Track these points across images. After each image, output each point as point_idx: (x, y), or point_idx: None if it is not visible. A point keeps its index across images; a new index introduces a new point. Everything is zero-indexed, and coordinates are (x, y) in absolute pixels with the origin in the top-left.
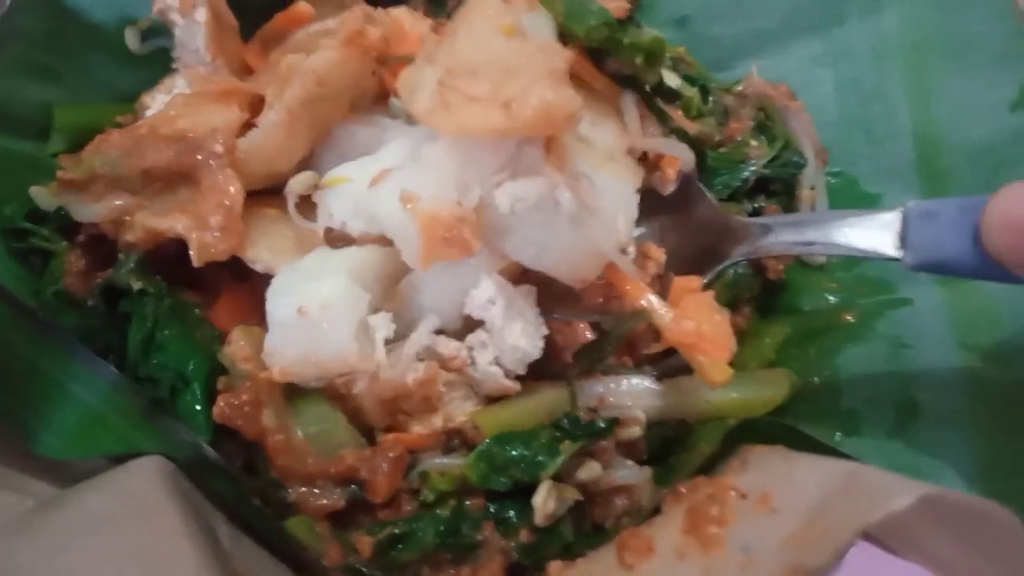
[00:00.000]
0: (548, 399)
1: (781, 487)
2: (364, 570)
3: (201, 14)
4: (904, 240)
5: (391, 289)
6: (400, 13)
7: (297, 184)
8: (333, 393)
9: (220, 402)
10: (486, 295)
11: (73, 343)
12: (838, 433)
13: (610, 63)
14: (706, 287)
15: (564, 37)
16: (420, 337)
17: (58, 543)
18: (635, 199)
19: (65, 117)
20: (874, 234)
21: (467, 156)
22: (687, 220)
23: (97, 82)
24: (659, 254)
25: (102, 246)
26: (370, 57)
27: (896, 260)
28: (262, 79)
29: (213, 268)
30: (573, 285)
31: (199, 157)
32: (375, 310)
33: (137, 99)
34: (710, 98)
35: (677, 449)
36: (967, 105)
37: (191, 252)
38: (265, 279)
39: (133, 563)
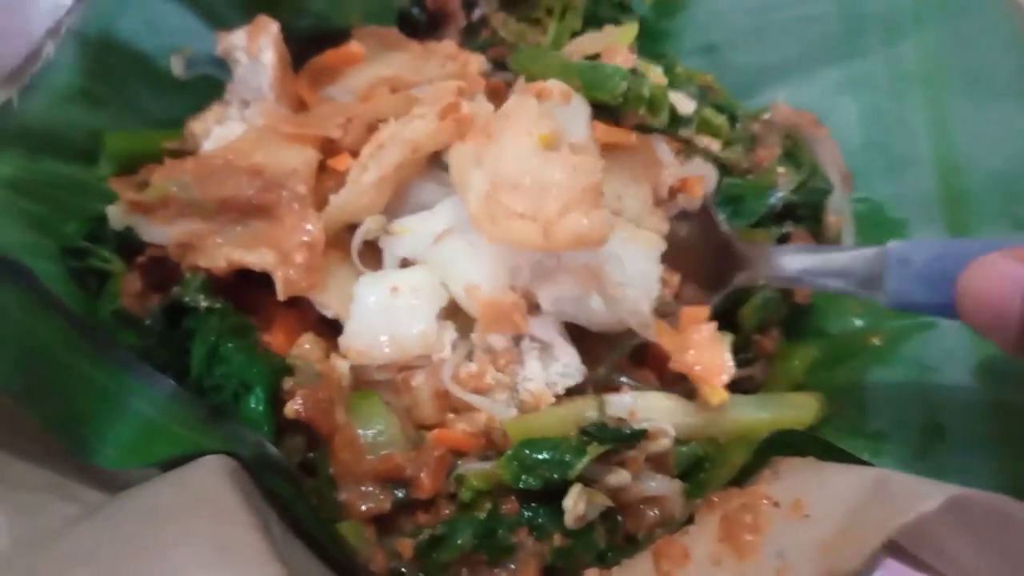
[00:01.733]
0: (576, 409)
1: (813, 494)
2: (406, 572)
3: (268, 56)
4: (881, 282)
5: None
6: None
7: (367, 230)
8: (392, 388)
9: (299, 398)
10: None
11: (130, 359)
12: (865, 454)
13: (628, 116)
14: (713, 312)
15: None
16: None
17: (131, 530)
18: (659, 266)
19: (114, 142)
20: (854, 274)
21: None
22: (699, 242)
23: (141, 108)
24: (673, 279)
25: (160, 268)
26: (461, 128)
27: (874, 300)
28: (321, 117)
29: (267, 294)
30: None
31: (284, 194)
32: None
33: (183, 125)
34: (737, 125)
35: (708, 467)
36: (985, 133)
37: (278, 287)
38: (314, 309)
39: (203, 548)
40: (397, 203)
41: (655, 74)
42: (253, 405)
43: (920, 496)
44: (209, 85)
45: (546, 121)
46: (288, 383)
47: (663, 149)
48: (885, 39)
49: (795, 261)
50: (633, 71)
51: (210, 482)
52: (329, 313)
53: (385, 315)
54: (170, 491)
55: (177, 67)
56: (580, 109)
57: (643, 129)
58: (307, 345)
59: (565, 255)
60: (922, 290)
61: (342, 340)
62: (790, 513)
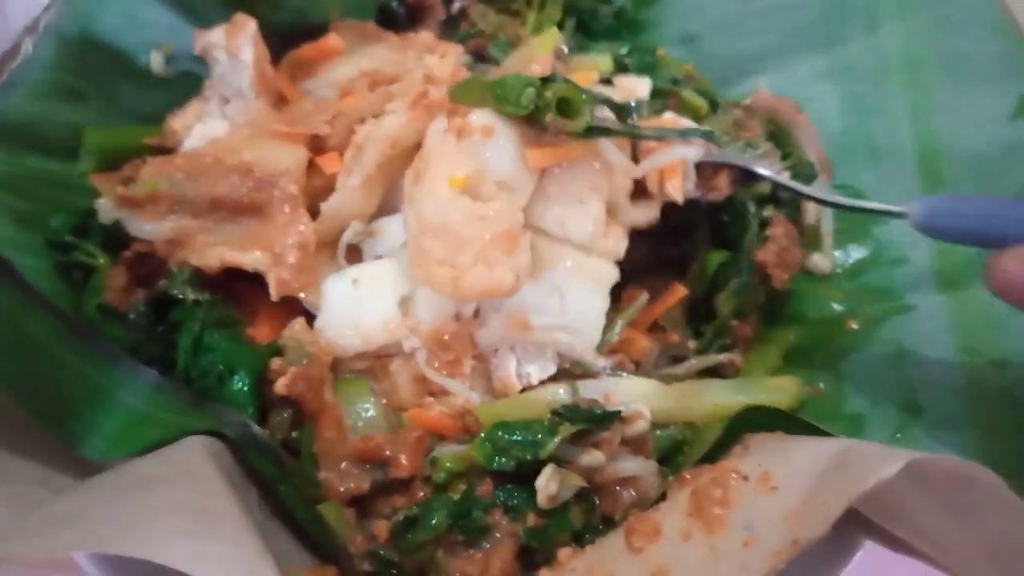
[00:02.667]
0: (549, 394)
1: (780, 467)
2: (383, 554)
3: (247, 54)
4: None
5: None
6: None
7: (352, 234)
8: (371, 374)
9: (291, 375)
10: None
11: (115, 352)
12: (844, 436)
13: (553, 123)
14: None
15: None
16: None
17: (115, 496)
18: (605, 301)
19: (94, 138)
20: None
21: None
22: None
23: (121, 104)
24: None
25: (145, 264)
26: (432, 113)
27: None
28: (306, 114)
29: (252, 288)
30: None
31: (276, 193)
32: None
33: (163, 121)
34: (719, 111)
35: (686, 450)
36: (966, 117)
37: (271, 288)
38: (299, 303)
39: (186, 516)
40: (390, 202)
41: (581, 73)
42: (238, 386)
43: (881, 462)
44: (189, 81)
45: (465, 162)
46: (276, 363)
47: (611, 152)
48: (866, 26)
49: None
50: (545, 78)
51: (193, 458)
52: (318, 312)
53: (349, 306)
54: (154, 464)
55: (156, 63)
56: (504, 141)
57: (587, 134)
58: (298, 327)
59: (494, 300)
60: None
61: (314, 330)
62: (758, 486)
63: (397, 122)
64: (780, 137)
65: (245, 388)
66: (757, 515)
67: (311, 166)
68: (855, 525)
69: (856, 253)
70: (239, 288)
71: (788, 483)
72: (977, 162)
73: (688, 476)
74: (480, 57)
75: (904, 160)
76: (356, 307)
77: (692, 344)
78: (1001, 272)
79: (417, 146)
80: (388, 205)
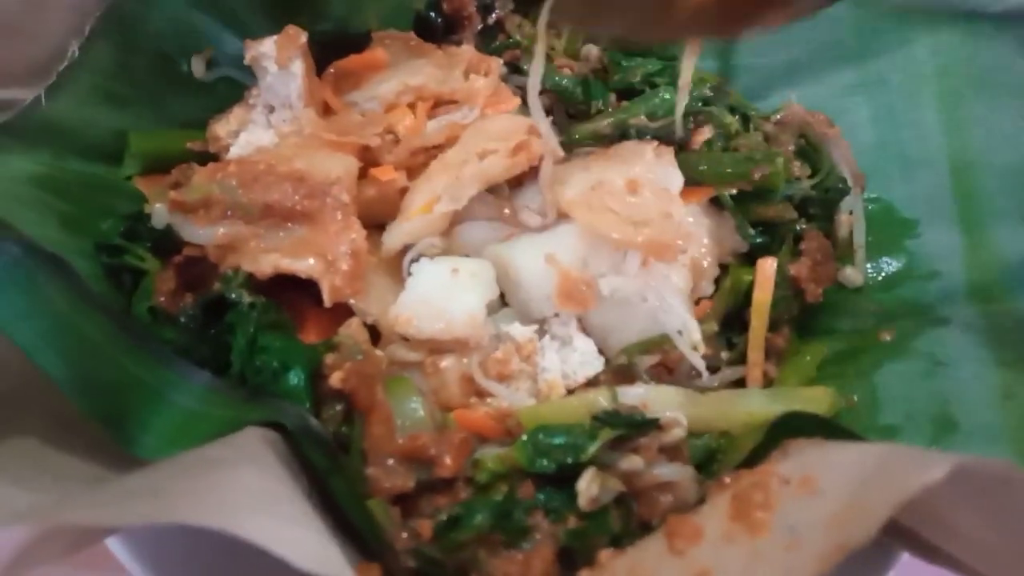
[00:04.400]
0: (589, 399)
1: (821, 471)
2: (427, 552)
3: (298, 66)
4: None
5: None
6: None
7: (426, 247)
8: (421, 370)
9: (346, 370)
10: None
11: (167, 354)
12: None
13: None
14: None
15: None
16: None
17: (184, 472)
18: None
19: (139, 143)
20: None
21: (591, 243)
22: None
23: (163, 109)
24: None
25: (195, 268)
26: (531, 161)
27: None
28: (356, 125)
29: (298, 294)
30: None
31: (328, 201)
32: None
33: (206, 126)
34: (750, 126)
35: (721, 458)
36: (999, 130)
37: (324, 294)
38: (346, 308)
39: (252, 495)
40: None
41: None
42: (294, 381)
43: (926, 465)
44: (229, 87)
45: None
46: (330, 358)
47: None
48: (898, 39)
49: None
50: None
51: (254, 443)
52: (369, 319)
53: (441, 291)
54: (216, 448)
55: (198, 69)
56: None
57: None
58: (354, 326)
59: (631, 258)
60: None
61: (393, 309)
62: (800, 490)
63: (499, 166)
64: (811, 151)
65: (301, 383)
66: (799, 519)
67: (361, 176)
68: (891, 535)
69: (889, 266)
70: (286, 294)
71: (830, 487)
72: (1011, 175)
73: (728, 480)
74: (515, 68)
75: (937, 173)
76: (448, 294)
77: (725, 355)
78: None
79: None
80: (456, 216)
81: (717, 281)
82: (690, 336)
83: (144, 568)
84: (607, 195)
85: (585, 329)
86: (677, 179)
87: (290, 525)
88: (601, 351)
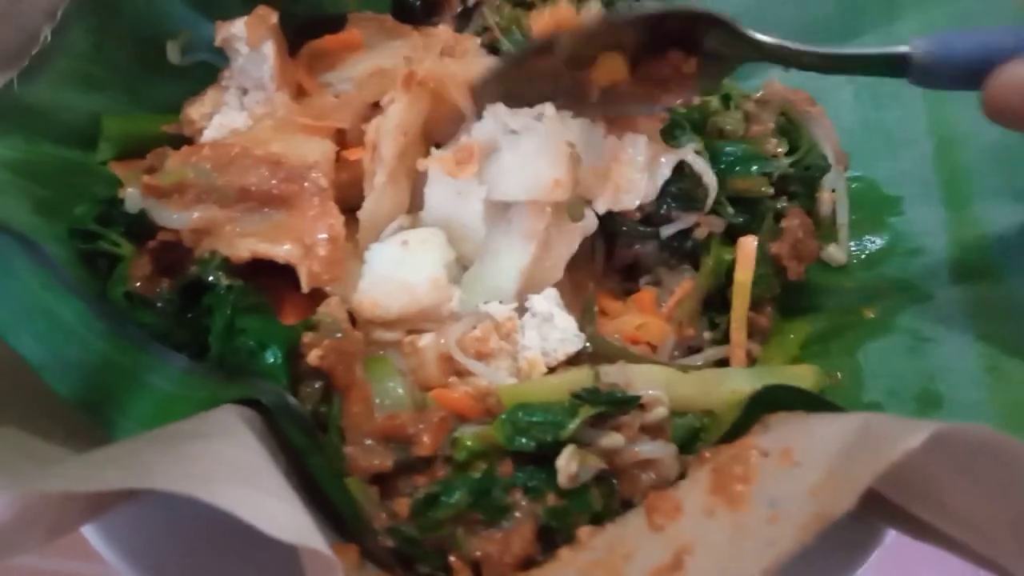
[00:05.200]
0: (569, 378)
1: (801, 442)
2: (405, 531)
3: (269, 47)
4: (908, 65)
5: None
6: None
7: (395, 227)
8: (399, 350)
9: (324, 347)
10: (544, 302)
11: (143, 338)
12: None
13: None
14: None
15: None
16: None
17: (158, 444)
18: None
19: (112, 126)
20: (880, 59)
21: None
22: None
23: (138, 93)
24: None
25: (170, 253)
26: (428, 88)
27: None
28: (332, 108)
29: (274, 279)
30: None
31: (306, 186)
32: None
33: (180, 110)
34: (731, 104)
35: (704, 436)
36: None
37: (302, 280)
38: (323, 293)
39: (227, 465)
40: (419, 192)
41: None
42: (271, 360)
43: (906, 433)
44: (205, 71)
45: None
46: (308, 336)
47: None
48: (883, 19)
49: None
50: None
51: (230, 419)
52: (347, 305)
53: (397, 267)
54: (191, 423)
55: (173, 53)
56: None
57: None
58: (333, 304)
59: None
60: (956, 78)
61: (356, 296)
62: (780, 462)
63: (398, 109)
64: (793, 129)
65: (278, 361)
66: (781, 491)
67: (338, 159)
68: (877, 513)
69: (873, 244)
70: (263, 278)
71: (810, 458)
72: (994, 150)
73: (708, 455)
74: (493, 50)
75: (921, 151)
76: (405, 267)
77: (708, 335)
78: (999, 88)
79: (425, 133)
80: (418, 196)
81: (698, 260)
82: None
83: (124, 560)
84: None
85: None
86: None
87: (265, 496)
88: None
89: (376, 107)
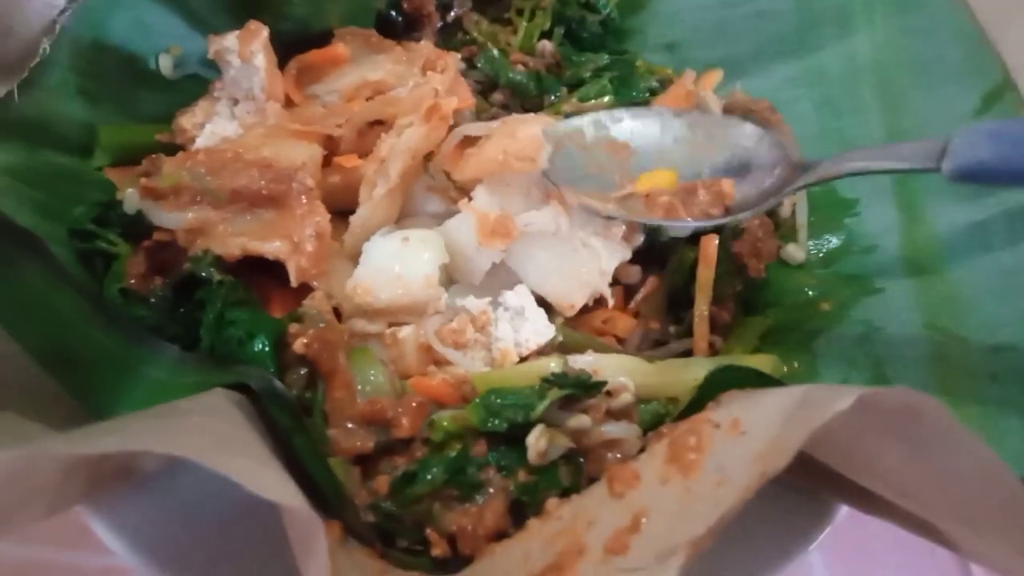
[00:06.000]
0: (540, 365)
1: (748, 414)
2: (385, 507)
3: (260, 60)
4: (944, 157)
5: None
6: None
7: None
8: (380, 341)
9: (310, 336)
10: (516, 298)
11: (137, 331)
12: None
13: None
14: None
15: None
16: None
17: (151, 421)
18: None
19: (108, 135)
20: (918, 155)
21: (499, 191)
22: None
23: (131, 104)
24: (730, 187)
25: (164, 252)
26: (447, 121)
27: (935, 171)
28: (319, 116)
29: (263, 275)
30: (563, 312)
31: (294, 186)
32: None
33: (172, 119)
34: None
35: (667, 422)
36: (934, 115)
37: (291, 274)
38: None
39: (218, 438)
40: (409, 205)
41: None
42: (259, 348)
43: (836, 398)
44: (195, 83)
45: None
46: (294, 327)
47: None
48: (838, 34)
49: (858, 156)
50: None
51: (220, 400)
52: (332, 301)
53: (395, 259)
54: (187, 402)
55: (166, 66)
56: None
57: None
58: (318, 297)
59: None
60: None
61: (350, 282)
62: (728, 432)
63: (416, 135)
64: None
65: (265, 349)
66: (728, 458)
67: (324, 163)
68: (828, 489)
69: (829, 243)
70: (252, 276)
71: (755, 427)
72: None
73: (665, 430)
74: (472, 64)
75: None
76: (401, 261)
77: (673, 329)
78: None
79: (430, 154)
80: (408, 208)
81: (665, 260)
82: (599, 260)
83: (125, 547)
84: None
85: (523, 280)
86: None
87: (252, 462)
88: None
89: (378, 124)
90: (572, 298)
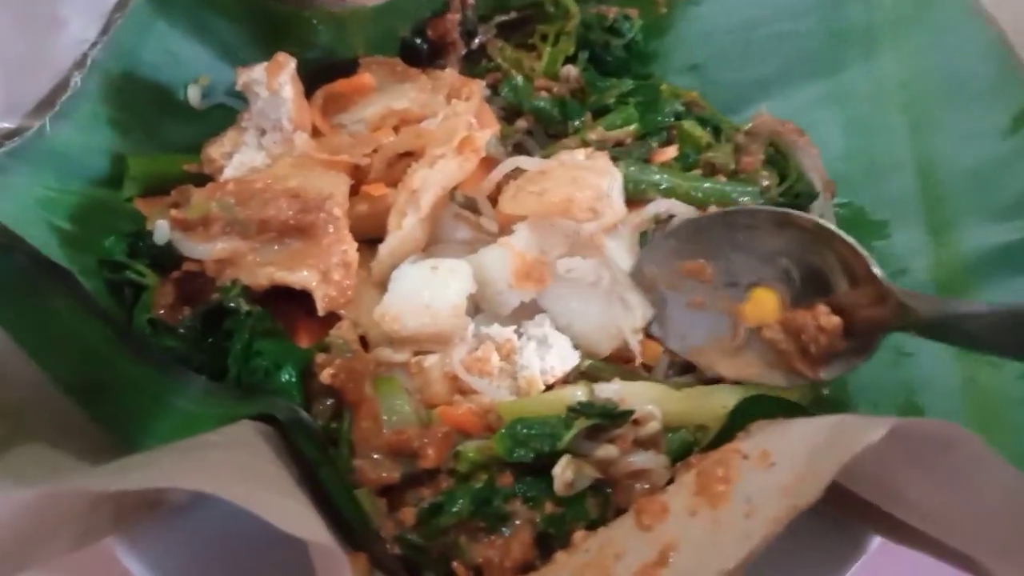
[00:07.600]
0: (566, 394)
1: (778, 445)
2: (411, 539)
3: (287, 91)
4: None
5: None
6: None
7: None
8: (406, 370)
9: (336, 366)
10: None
11: (166, 361)
12: None
13: None
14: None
15: None
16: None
17: (179, 452)
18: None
19: (137, 166)
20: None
21: (542, 231)
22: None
23: (160, 135)
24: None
25: (192, 283)
26: (479, 155)
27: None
28: (347, 146)
29: (290, 304)
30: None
31: (321, 215)
32: None
33: (201, 149)
34: (722, 137)
35: (696, 451)
36: (963, 135)
37: (318, 303)
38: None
39: (243, 471)
40: (436, 233)
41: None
42: (285, 378)
43: (867, 429)
44: (222, 113)
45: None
46: (321, 357)
47: None
48: (864, 54)
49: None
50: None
51: (247, 432)
52: (359, 330)
53: (423, 288)
54: (213, 435)
55: (194, 97)
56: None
57: None
58: (344, 327)
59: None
60: None
61: (379, 309)
62: (757, 463)
63: (450, 167)
64: (781, 159)
65: (292, 379)
66: (756, 489)
67: (351, 192)
68: (861, 520)
69: None
70: (279, 306)
71: (785, 458)
72: (974, 177)
73: (694, 460)
74: (496, 91)
75: (905, 177)
76: (430, 289)
77: None
78: None
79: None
80: (435, 235)
81: None
82: (633, 318)
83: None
84: (526, 183)
85: (553, 322)
86: (614, 177)
87: (280, 496)
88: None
89: (408, 156)
90: (599, 348)
